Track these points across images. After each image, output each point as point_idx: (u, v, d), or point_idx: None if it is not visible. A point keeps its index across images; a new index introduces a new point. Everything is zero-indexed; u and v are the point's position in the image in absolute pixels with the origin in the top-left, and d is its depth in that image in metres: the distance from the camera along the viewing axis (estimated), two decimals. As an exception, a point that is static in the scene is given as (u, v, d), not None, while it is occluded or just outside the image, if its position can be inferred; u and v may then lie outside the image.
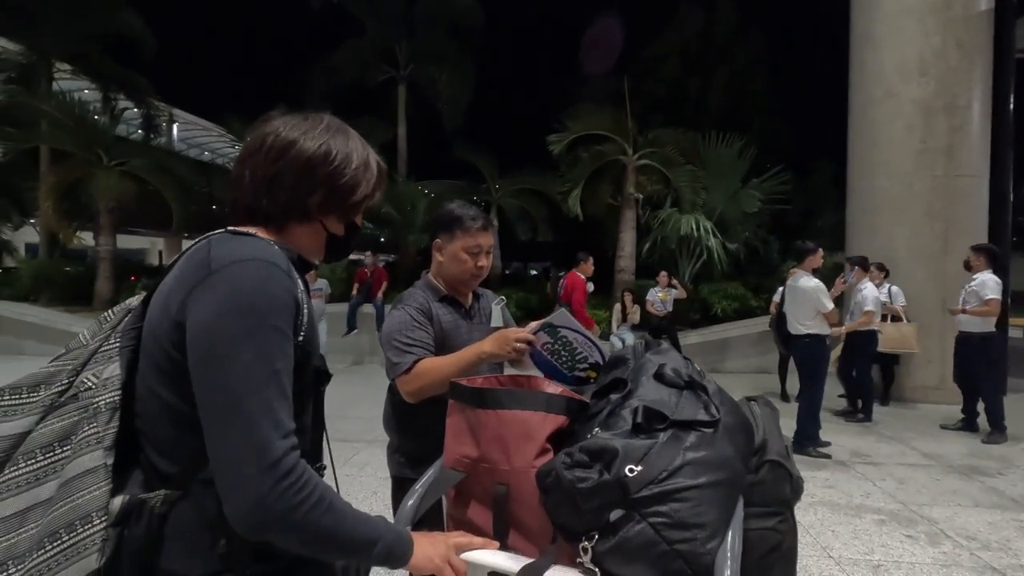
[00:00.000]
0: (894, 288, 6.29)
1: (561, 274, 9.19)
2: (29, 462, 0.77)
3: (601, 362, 1.40)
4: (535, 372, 1.40)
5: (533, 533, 0.99)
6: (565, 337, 1.46)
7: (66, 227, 12.42)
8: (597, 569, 0.89)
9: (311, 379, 0.92)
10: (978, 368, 5.35)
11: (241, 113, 13.12)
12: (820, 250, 5.02)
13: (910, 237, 6.81)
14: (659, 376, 1.06)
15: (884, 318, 6.21)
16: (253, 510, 0.73)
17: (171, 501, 0.79)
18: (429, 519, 1.16)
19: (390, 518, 1.03)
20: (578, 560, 0.90)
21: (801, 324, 4.86)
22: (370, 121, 13.70)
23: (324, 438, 1.01)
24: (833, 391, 6.37)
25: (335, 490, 0.84)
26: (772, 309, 6.95)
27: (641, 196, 11.62)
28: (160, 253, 27.41)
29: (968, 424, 5.51)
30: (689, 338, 9.07)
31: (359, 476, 4.11)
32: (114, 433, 0.79)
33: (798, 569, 1.16)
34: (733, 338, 9.17)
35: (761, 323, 8.60)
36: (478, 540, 0.98)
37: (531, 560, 0.94)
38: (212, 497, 0.78)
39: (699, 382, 1.05)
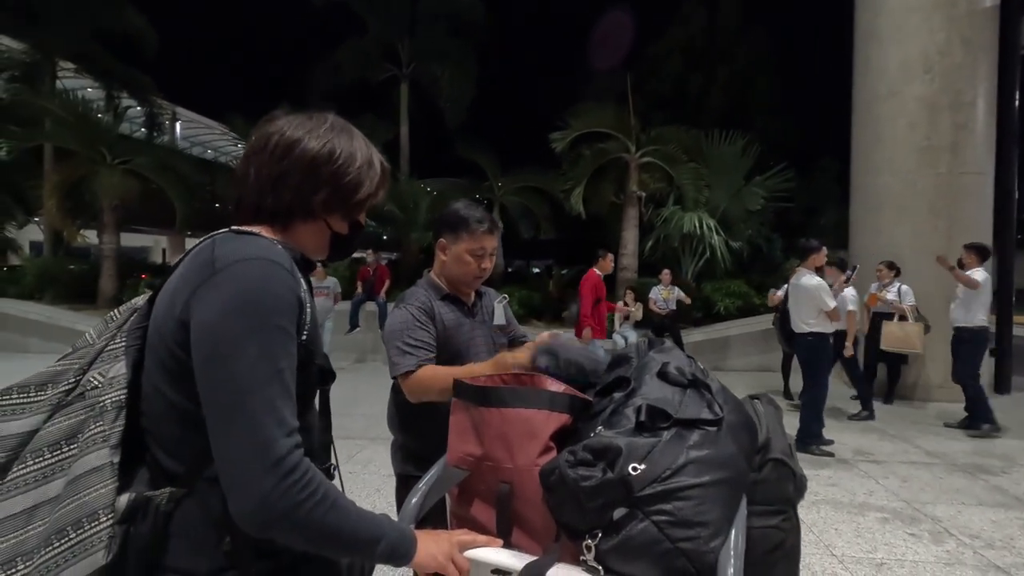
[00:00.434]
0: (903, 287, 6.26)
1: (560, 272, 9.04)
2: (37, 460, 0.78)
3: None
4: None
5: (536, 531, 1.00)
6: (568, 359, 1.45)
7: (70, 225, 12.47)
8: (600, 567, 0.89)
9: (315, 378, 0.92)
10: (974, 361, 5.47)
11: (244, 111, 13.15)
12: (824, 248, 5.01)
13: (914, 235, 6.78)
14: (662, 374, 1.06)
15: (891, 317, 6.19)
16: (257, 508, 0.73)
17: (176, 499, 0.80)
18: (433, 517, 1.16)
19: (394, 515, 1.03)
20: (581, 558, 0.91)
21: (804, 322, 4.85)
22: (372, 119, 13.70)
23: (331, 439, 1.02)
24: (835, 391, 6.36)
25: (339, 488, 0.84)
26: (772, 300, 6.88)
27: (644, 194, 11.61)
28: (163, 251, 27.49)
29: (972, 422, 5.51)
30: (692, 336, 9.06)
31: (363, 473, 4.12)
32: (120, 431, 0.79)
33: (801, 567, 1.16)
34: (736, 336, 9.15)
35: (764, 321, 8.58)
36: (482, 538, 0.99)
37: (534, 558, 0.95)
38: (217, 495, 0.78)
39: (702, 380, 1.05)
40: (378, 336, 9.14)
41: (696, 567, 0.86)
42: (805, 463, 1.16)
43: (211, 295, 0.78)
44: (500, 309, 1.91)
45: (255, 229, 0.90)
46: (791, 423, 3.93)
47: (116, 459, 0.78)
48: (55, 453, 0.79)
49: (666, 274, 8.67)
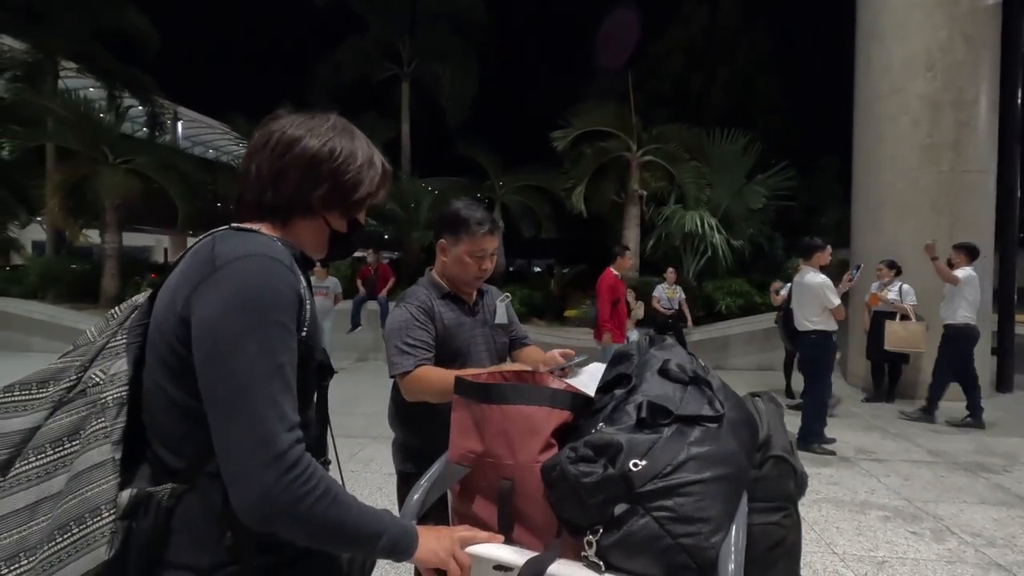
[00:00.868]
0: (904, 286, 6.25)
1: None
2: (39, 456, 0.79)
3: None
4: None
5: (538, 527, 1.00)
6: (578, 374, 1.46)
7: (72, 225, 12.49)
8: (602, 563, 0.89)
9: (314, 374, 0.93)
10: (964, 358, 5.55)
11: (245, 111, 13.16)
12: (828, 247, 5.01)
13: (916, 233, 6.76)
14: (663, 372, 1.06)
15: (892, 316, 6.19)
16: (259, 502, 0.74)
17: (178, 494, 0.81)
18: (434, 514, 1.16)
19: (395, 513, 1.04)
20: (583, 554, 0.91)
21: (808, 320, 4.85)
22: (373, 118, 13.71)
23: (328, 433, 1.02)
24: (837, 388, 6.36)
25: (341, 484, 0.85)
26: (776, 300, 6.88)
27: (645, 192, 11.60)
28: (165, 250, 27.50)
29: (974, 419, 5.52)
30: (693, 335, 9.06)
31: (364, 472, 4.13)
32: (121, 428, 0.80)
33: (802, 566, 1.17)
34: (737, 335, 9.15)
35: (765, 320, 8.57)
36: (483, 534, 0.99)
37: (536, 554, 0.95)
38: (219, 490, 0.79)
39: (703, 377, 1.05)
40: (379, 335, 9.15)
41: (697, 563, 0.86)
42: (806, 461, 1.17)
43: (212, 292, 0.79)
44: (502, 308, 1.91)
45: (255, 226, 0.91)
46: (792, 422, 3.93)
47: (118, 455, 0.78)
48: (57, 449, 0.79)
49: (671, 273, 8.57)
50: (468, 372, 1.53)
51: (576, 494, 0.90)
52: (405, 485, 1.73)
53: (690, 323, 8.64)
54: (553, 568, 0.91)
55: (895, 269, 6.32)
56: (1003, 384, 7.24)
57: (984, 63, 6.76)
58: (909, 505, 3.70)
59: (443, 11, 14.40)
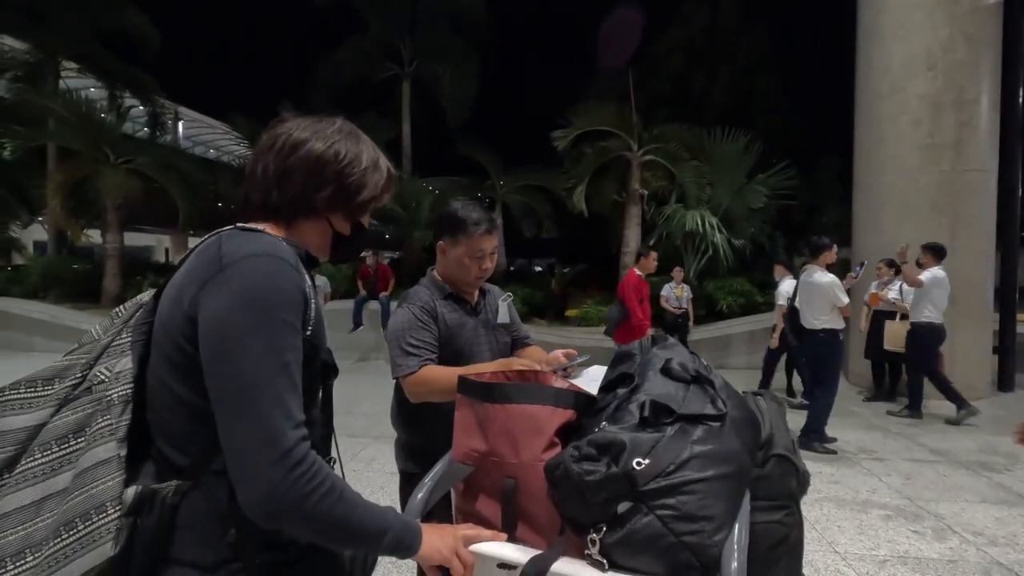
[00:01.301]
0: (905, 285, 6.26)
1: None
2: (45, 453, 0.79)
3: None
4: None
5: (541, 525, 1.01)
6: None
7: (74, 225, 12.51)
8: (605, 561, 0.90)
9: (319, 373, 0.94)
10: (929, 356, 5.70)
11: (246, 110, 13.17)
12: (835, 246, 5.06)
13: (917, 233, 6.76)
14: (666, 371, 1.07)
15: (893, 316, 6.19)
16: (265, 499, 0.74)
17: (182, 492, 0.81)
18: (438, 512, 1.17)
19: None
20: (586, 552, 0.91)
21: (815, 319, 4.87)
22: (374, 118, 13.72)
23: (332, 432, 1.03)
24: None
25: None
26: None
27: (646, 192, 11.60)
28: (166, 250, 27.55)
29: (965, 410, 5.63)
30: (694, 334, 9.06)
31: (366, 471, 4.13)
32: (127, 425, 0.80)
33: (804, 564, 1.17)
34: (738, 334, 9.15)
35: (766, 319, 8.56)
36: (486, 532, 1.00)
37: (539, 552, 0.95)
38: (223, 487, 0.80)
39: (706, 376, 1.06)
40: (380, 335, 9.16)
41: (700, 561, 0.87)
42: (808, 460, 1.17)
43: (219, 290, 0.80)
44: (504, 307, 1.91)
45: (260, 226, 0.92)
46: (794, 421, 3.93)
47: (123, 452, 0.79)
48: (63, 446, 0.80)
49: (678, 271, 8.53)
50: (473, 369, 1.53)
51: (579, 492, 0.90)
52: (408, 485, 1.73)
53: (691, 322, 8.64)
54: (556, 566, 0.92)
55: (895, 268, 6.33)
56: (1004, 383, 7.23)
57: (985, 62, 6.76)
58: (911, 504, 3.70)
59: (443, 11, 14.40)
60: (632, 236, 11.46)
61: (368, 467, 4.23)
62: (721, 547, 0.89)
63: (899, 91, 6.93)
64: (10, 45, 13.05)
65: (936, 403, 6.43)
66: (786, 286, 6.31)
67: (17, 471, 0.78)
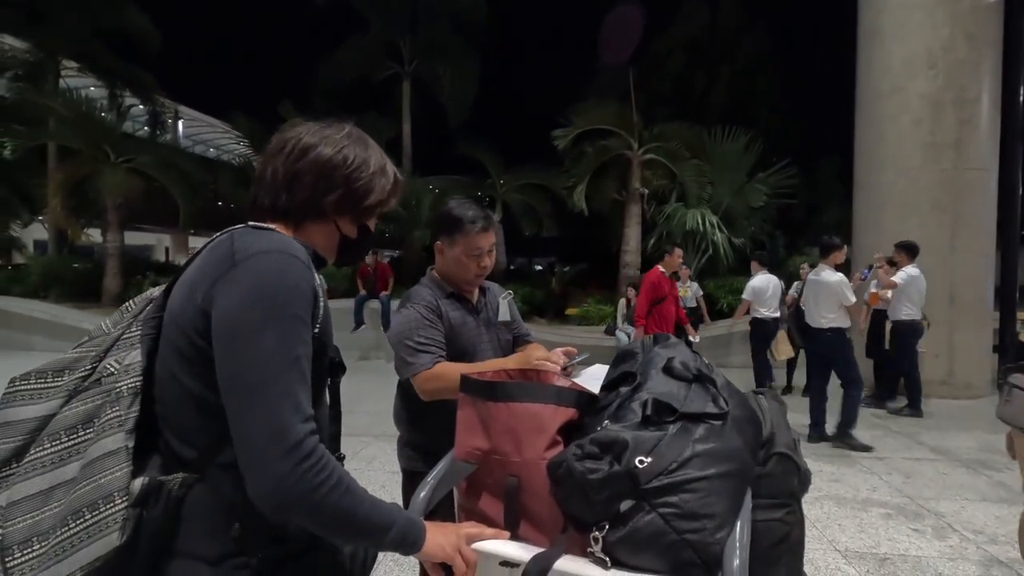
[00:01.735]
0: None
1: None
2: (54, 443, 0.80)
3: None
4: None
5: (544, 523, 1.01)
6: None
7: (74, 224, 12.54)
8: (607, 558, 0.90)
9: (326, 370, 0.95)
10: (908, 352, 5.80)
11: (246, 109, 13.18)
12: (845, 246, 5.13)
13: (917, 231, 6.75)
14: (668, 369, 1.07)
15: None
16: (274, 490, 0.75)
17: (188, 484, 0.82)
18: (440, 511, 1.17)
19: (401, 510, 1.05)
20: (589, 550, 0.92)
21: (823, 317, 4.90)
22: (374, 117, 13.74)
23: (340, 429, 1.04)
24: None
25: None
26: (789, 302, 7.01)
27: (646, 191, 11.61)
28: (167, 249, 27.55)
29: (913, 409, 5.83)
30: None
31: (367, 470, 4.14)
32: (135, 417, 0.81)
33: (804, 562, 1.17)
34: (739, 333, 9.13)
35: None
36: (489, 530, 1.00)
37: (542, 550, 0.96)
38: (228, 481, 0.81)
39: (708, 375, 1.06)
40: (381, 334, 9.16)
41: (702, 558, 0.87)
42: (808, 459, 1.18)
43: (232, 285, 0.81)
44: (505, 305, 1.91)
45: (270, 226, 0.93)
46: (795, 419, 3.93)
47: (131, 443, 0.80)
48: (72, 437, 0.81)
49: (684, 270, 8.52)
50: (490, 364, 1.54)
51: (582, 490, 0.91)
52: (411, 483, 1.73)
53: (706, 319, 8.61)
54: (559, 564, 0.92)
55: (894, 266, 6.33)
56: (1004, 382, 7.22)
57: (986, 61, 6.76)
58: (911, 502, 3.71)
59: (444, 10, 14.39)
60: (632, 235, 11.48)
61: (369, 465, 4.24)
62: (723, 545, 0.89)
63: (900, 90, 6.93)
64: (10, 44, 13.06)
65: (935, 402, 6.45)
66: (755, 281, 6.69)
67: (26, 460, 0.79)
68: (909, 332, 5.76)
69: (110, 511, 0.75)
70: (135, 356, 0.85)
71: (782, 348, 6.80)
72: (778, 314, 6.76)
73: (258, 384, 0.77)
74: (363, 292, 9.37)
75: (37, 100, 12.01)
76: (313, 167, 0.95)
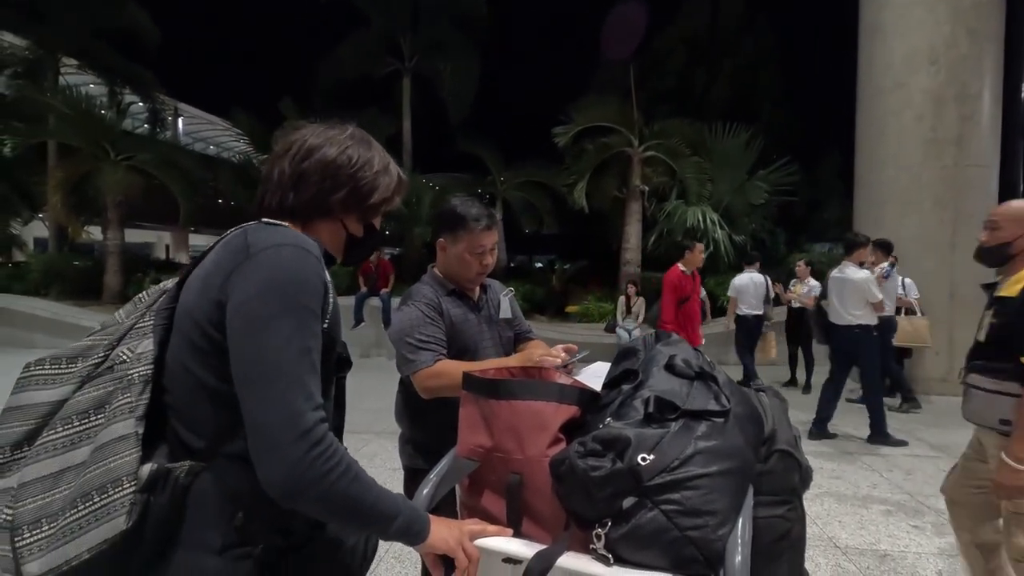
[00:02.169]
0: (908, 280, 6.27)
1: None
2: (66, 427, 0.82)
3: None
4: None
5: (546, 520, 1.01)
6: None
7: (74, 221, 12.53)
8: (610, 555, 0.91)
9: (333, 365, 0.97)
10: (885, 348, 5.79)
11: (246, 106, 13.16)
12: (870, 243, 5.20)
13: (918, 228, 6.77)
14: (670, 367, 1.07)
15: (898, 311, 6.20)
16: (286, 476, 0.77)
17: (195, 472, 0.84)
18: (442, 509, 1.17)
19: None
20: (591, 547, 0.92)
21: (850, 314, 4.90)
22: (375, 114, 13.70)
23: (343, 425, 1.06)
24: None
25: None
26: (786, 300, 7.06)
27: (647, 188, 11.59)
28: (167, 247, 27.55)
29: (908, 401, 6.01)
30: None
31: (368, 467, 4.10)
32: (145, 404, 0.83)
33: (805, 559, 1.18)
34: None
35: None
36: (492, 528, 1.01)
37: (544, 547, 0.96)
38: (233, 471, 0.84)
39: (709, 373, 1.06)
40: (381, 331, 9.16)
41: (704, 555, 0.88)
42: (809, 456, 1.18)
43: (246, 277, 0.83)
44: (506, 302, 1.92)
45: (283, 223, 0.96)
46: (795, 417, 3.94)
47: (140, 430, 0.81)
48: (83, 421, 0.82)
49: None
50: (492, 363, 1.54)
51: (585, 488, 0.91)
52: (413, 481, 1.73)
53: (707, 317, 8.70)
54: (562, 561, 0.92)
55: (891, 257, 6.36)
56: (1005, 379, 7.23)
57: (987, 57, 6.74)
58: (911, 499, 3.71)
59: (445, 6, 14.35)
60: (633, 232, 11.47)
61: (370, 463, 4.25)
62: (725, 541, 0.89)
63: (901, 86, 6.92)
64: (10, 42, 13.03)
65: (935, 399, 6.46)
66: (737, 280, 7.02)
67: (38, 443, 0.81)
68: (885, 328, 5.78)
69: (119, 495, 0.76)
70: (147, 345, 0.87)
71: (765, 348, 6.89)
72: (761, 312, 6.84)
73: (271, 372, 0.79)
74: (364, 289, 9.37)
75: (37, 97, 11.99)
76: (318, 167, 0.98)
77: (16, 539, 0.75)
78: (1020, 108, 7.27)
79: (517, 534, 1.02)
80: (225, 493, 0.84)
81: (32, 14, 12.34)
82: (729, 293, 7.14)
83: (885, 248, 5.99)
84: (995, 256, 2.08)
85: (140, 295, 0.96)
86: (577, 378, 1.33)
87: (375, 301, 9.35)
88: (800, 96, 17.69)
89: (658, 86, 15.59)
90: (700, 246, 5.58)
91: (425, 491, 1.15)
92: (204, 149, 24.95)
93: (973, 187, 6.72)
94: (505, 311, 1.89)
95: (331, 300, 0.91)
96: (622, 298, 8.86)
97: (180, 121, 22.76)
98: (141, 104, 14.70)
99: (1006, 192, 7.11)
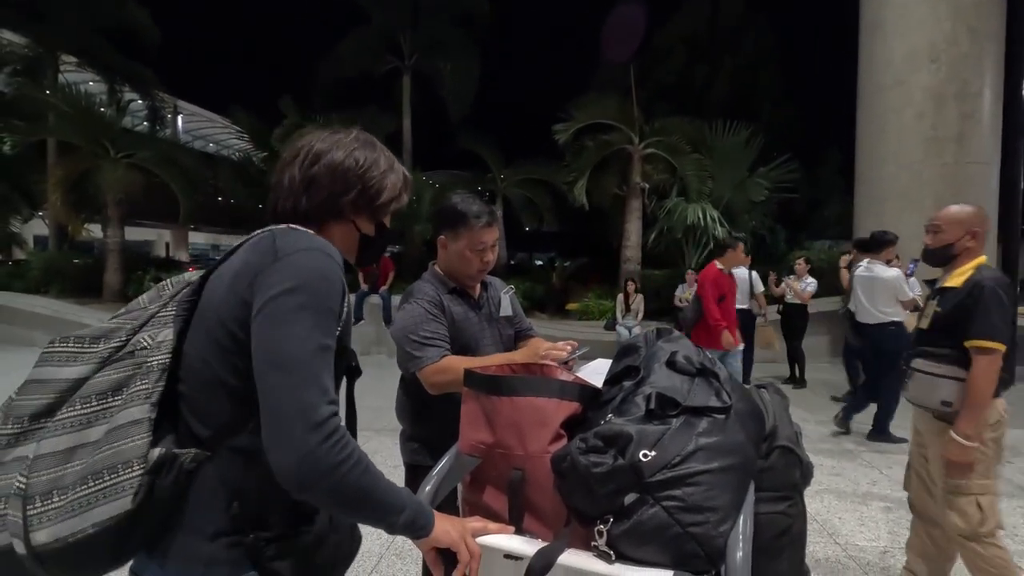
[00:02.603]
0: (911, 279, 6.27)
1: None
2: (84, 406, 0.85)
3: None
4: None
5: (548, 517, 1.01)
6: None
7: (74, 219, 12.51)
8: (612, 552, 0.91)
9: (343, 370, 1.00)
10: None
11: (246, 104, 13.13)
12: (897, 240, 5.25)
13: (918, 226, 6.65)
14: (671, 363, 1.07)
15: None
16: (300, 465, 0.80)
17: (199, 460, 0.87)
18: (443, 507, 1.18)
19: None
20: (593, 543, 0.92)
21: (882, 312, 4.92)
22: (375, 112, 13.67)
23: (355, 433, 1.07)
24: (832, 379, 6.38)
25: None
26: (779, 294, 7.09)
27: (647, 185, 11.57)
28: (167, 245, 27.52)
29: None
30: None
31: (368, 465, 4.15)
32: (160, 391, 0.86)
33: (806, 555, 1.18)
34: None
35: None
36: (493, 525, 1.02)
37: (546, 544, 0.96)
38: (235, 465, 0.88)
39: (710, 369, 1.07)
40: (381, 329, 9.18)
41: (705, 551, 0.88)
42: (810, 453, 1.18)
43: (274, 276, 0.87)
44: (506, 300, 1.92)
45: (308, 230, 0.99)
46: (796, 415, 3.93)
47: (154, 415, 0.85)
48: (101, 401, 0.86)
49: (691, 275, 8.77)
50: (498, 359, 1.55)
51: (586, 484, 0.91)
52: (414, 478, 1.74)
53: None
54: (563, 558, 0.93)
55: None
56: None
57: (988, 55, 6.74)
58: (911, 496, 3.71)
59: (445, 4, 14.31)
60: (633, 230, 11.46)
61: (371, 460, 4.25)
62: (726, 538, 0.90)
63: (902, 84, 6.91)
64: (9, 39, 13.01)
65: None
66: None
67: (57, 418, 0.84)
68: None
69: (128, 476, 0.80)
70: (167, 334, 0.91)
71: (765, 340, 6.90)
72: (747, 306, 6.79)
73: (289, 364, 0.82)
74: (365, 287, 9.38)
75: (36, 95, 11.96)
76: (327, 171, 1.02)
77: (28, 507, 0.78)
78: (1020, 106, 7.24)
79: (519, 530, 1.03)
80: (225, 483, 0.88)
81: (32, 12, 12.31)
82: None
83: (861, 246, 6.10)
84: (939, 257, 2.29)
85: (164, 283, 0.99)
86: (579, 375, 1.34)
87: (375, 299, 9.36)
88: (801, 93, 17.66)
89: (658, 83, 15.57)
90: (742, 245, 5.25)
91: (428, 487, 1.15)
92: (204, 147, 24.95)
93: (974, 184, 6.72)
94: (505, 309, 1.90)
95: (345, 307, 0.94)
96: (621, 295, 8.88)
97: (180, 119, 22.74)
98: (141, 102, 14.69)
99: (1006, 189, 7.10)
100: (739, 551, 0.89)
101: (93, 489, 0.79)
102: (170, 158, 12.47)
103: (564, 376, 1.14)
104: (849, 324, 5.61)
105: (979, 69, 6.64)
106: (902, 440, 4.81)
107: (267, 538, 0.90)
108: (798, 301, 6.90)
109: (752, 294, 6.85)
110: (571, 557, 0.93)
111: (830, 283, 7.50)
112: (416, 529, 0.92)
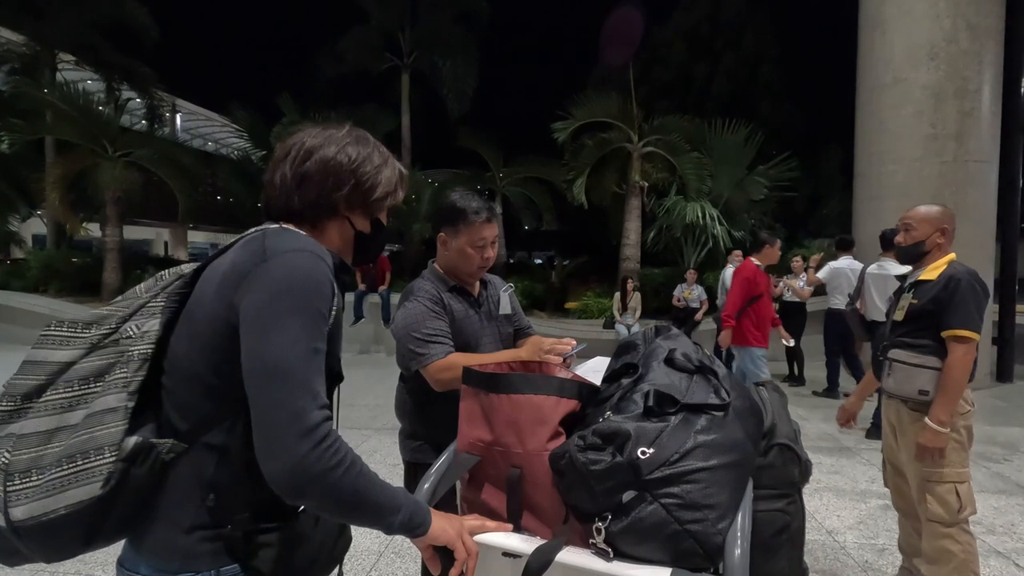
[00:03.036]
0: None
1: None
2: (67, 389, 0.87)
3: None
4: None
5: (546, 514, 1.01)
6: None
7: (73, 218, 12.47)
8: (610, 549, 0.91)
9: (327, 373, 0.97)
10: (843, 337, 6.14)
11: (244, 103, 13.09)
12: None
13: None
14: (669, 361, 1.07)
15: None
16: (292, 472, 0.79)
17: (177, 452, 0.88)
18: (441, 505, 1.18)
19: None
20: (591, 541, 0.92)
21: None
22: (374, 110, 13.64)
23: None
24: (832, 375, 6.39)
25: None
26: (778, 293, 7.10)
27: (646, 184, 11.56)
28: (166, 243, 27.46)
29: (830, 391, 6.31)
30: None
31: (368, 463, 4.10)
32: (140, 381, 0.87)
33: (804, 553, 1.18)
34: (738, 326, 9.14)
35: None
36: (491, 524, 1.01)
37: (544, 541, 0.96)
38: (210, 459, 0.88)
39: (709, 367, 1.07)
40: (381, 328, 9.17)
41: (704, 548, 0.88)
42: (808, 450, 1.18)
43: (262, 278, 0.87)
44: (506, 298, 1.92)
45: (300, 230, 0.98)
46: (795, 413, 3.94)
47: (131, 404, 0.85)
48: (83, 386, 0.87)
49: (691, 274, 8.87)
50: (503, 355, 1.54)
51: (585, 481, 0.91)
52: (413, 476, 1.74)
53: (699, 316, 8.72)
54: (561, 556, 0.92)
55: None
56: (1003, 374, 7.25)
57: (987, 52, 6.72)
58: (909, 494, 3.72)
59: (444, 2, 14.28)
60: (632, 228, 11.45)
61: (370, 459, 4.25)
62: (724, 535, 0.90)
63: (901, 81, 6.90)
64: (6, 37, 12.96)
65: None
66: (724, 273, 7.27)
67: (42, 399, 0.86)
68: (838, 321, 6.05)
69: (99, 463, 0.81)
70: (153, 325, 0.91)
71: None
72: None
73: (280, 370, 0.82)
74: (363, 286, 9.38)
75: (34, 93, 11.92)
76: (319, 167, 1.00)
77: (8, 483, 0.80)
78: (1020, 103, 7.23)
79: (517, 528, 1.03)
80: (200, 477, 0.88)
81: (29, 9, 12.26)
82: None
83: (842, 243, 6.30)
84: (911, 254, 2.46)
85: (160, 273, 0.99)
86: (577, 372, 1.34)
87: (374, 298, 9.36)
88: (800, 91, 17.63)
89: (658, 81, 15.55)
90: (779, 242, 5.07)
91: (426, 485, 1.15)
92: (202, 145, 24.87)
93: (973, 182, 6.71)
94: (505, 307, 1.90)
95: (335, 311, 0.93)
96: (618, 293, 8.89)
97: (178, 117, 22.68)
98: (139, 100, 14.63)
99: (1006, 187, 7.09)
100: (737, 548, 0.89)
101: (67, 472, 0.80)
102: (169, 156, 12.44)
103: (562, 374, 1.14)
104: (858, 322, 5.63)
105: (979, 66, 6.63)
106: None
107: (244, 532, 0.90)
108: (796, 299, 6.90)
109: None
110: (569, 555, 0.93)
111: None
112: (413, 528, 0.91)
